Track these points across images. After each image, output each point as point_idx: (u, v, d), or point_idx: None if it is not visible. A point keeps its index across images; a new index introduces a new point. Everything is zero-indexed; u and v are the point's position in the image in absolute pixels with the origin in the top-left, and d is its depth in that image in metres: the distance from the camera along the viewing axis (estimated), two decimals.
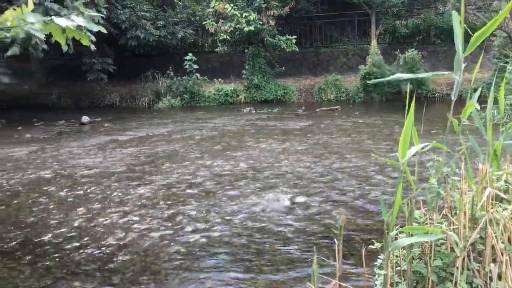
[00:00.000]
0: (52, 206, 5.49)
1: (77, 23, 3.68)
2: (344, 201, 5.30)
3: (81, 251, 4.11)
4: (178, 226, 4.64)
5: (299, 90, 17.88)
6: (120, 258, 3.92)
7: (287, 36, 16.88)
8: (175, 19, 18.96)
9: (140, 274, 3.63)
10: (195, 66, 17.43)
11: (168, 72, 17.76)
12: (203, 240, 4.28)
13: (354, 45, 19.75)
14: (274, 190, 5.81)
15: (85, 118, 13.77)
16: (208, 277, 3.56)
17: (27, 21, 3.94)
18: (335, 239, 3.24)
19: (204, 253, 3.99)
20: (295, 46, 16.98)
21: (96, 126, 13.11)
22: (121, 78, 19.19)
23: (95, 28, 3.74)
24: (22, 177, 7.02)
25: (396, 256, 2.64)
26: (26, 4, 4.05)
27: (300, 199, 5.43)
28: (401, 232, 2.40)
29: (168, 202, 5.45)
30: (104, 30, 3.91)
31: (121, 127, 12.46)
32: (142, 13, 17.40)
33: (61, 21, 3.69)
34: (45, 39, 13.03)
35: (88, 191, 6.06)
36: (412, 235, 2.40)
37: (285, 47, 16.83)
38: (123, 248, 4.13)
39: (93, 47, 13.19)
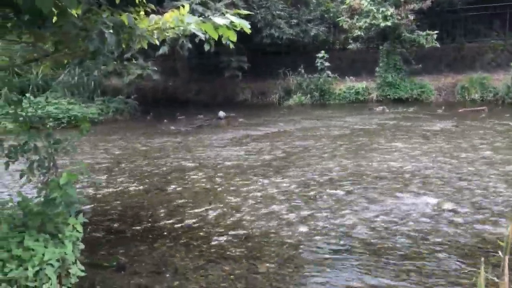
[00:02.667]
0: (198, 193, 5.91)
1: (231, 20, 3.87)
2: (497, 211, 4.77)
3: (228, 237, 4.34)
4: (318, 223, 4.63)
5: (437, 89, 16.66)
6: (264, 248, 4.05)
7: (428, 31, 15.82)
8: (308, 17, 19.05)
9: (284, 265, 3.71)
10: (327, 64, 17.32)
11: (299, 69, 17.93)
12: (344, 239, 4.20)
13: (504, 39, 17.73)
14: (416, 194, 5.48)
15: (221, 113, 14.59)
16: (351, 278, 3.49)
17: (185, 22, 4.28)
18: (500, 253, 2.91)
19: (346, 253, 3.92)
20: (436, 41, 15.83)
21: (231, 121, 13.81)
22: (253, 75, 19.92)
23: (247, 24, 3.89)
24: (171, 165, 7.69)
25: None
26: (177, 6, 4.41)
27: (446, 205, 5.03)
28: None
29: (305, 198, 5.48)
30: (248, 31, 4.00)
31: (254, 122, 12.93)
32: (277, 12, 17.83)
33: (218, 20, 3.92)
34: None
35: (228, 182, 6.39)
36: None
37: (424, 43, 15.79)
38: (266, 239, 4.26)
39: (231, 46, 13.95)
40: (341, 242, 4.13)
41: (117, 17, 4.39)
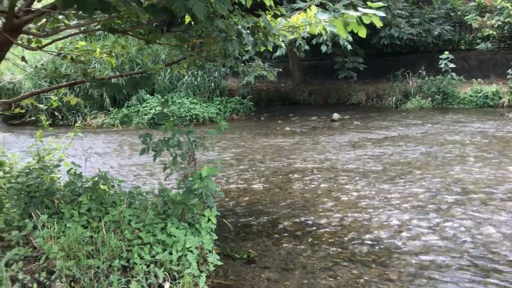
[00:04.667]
0: (319, 194, 5.91)
1: (364, 12, 3.77)
2: None
3: (354, 240, 4.28)
4: (450, 234, 4.35)
5: None
6: (395, 256, 3.91)
7: None
8: (431, 15, 17.98)
9: (416, 276, 3.54)
10: (451, 65, 16.18)
11: (419, 71, 17.01)
12: (484, 254, 3.88)
13: None
14: None
15: (335, 115, 14.43)
16: None
17: (318, 18, 4.30)
18: None
19: (486, 270, 3.62)
20: None
21: (345, 123, 13.58)
22: (368, 77, 19.38)
23: (381, 13, 3.75)
24: (290, 165, 7.80)
25: None
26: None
27: None
28: None
29: (433, 206, 5.18)
30: (380, 24, 3.82)
31: (370, 126, 12.56)
32: (397, 11, 17.10)
33: (351, 13, 3.86)
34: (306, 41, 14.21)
35: (348, 185, 6.29)
36: None
37: None
38: (394, 245, 4.11)
39: (349, 47, 13.69)
40: (480, 258, 3.82)
41: (248, 20, 4.58)
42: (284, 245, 4.24)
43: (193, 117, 14.93)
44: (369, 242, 4.23)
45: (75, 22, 4.58)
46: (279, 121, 14.65)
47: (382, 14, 3.70)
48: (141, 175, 7.38)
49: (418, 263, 3.75)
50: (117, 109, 15.31)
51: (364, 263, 3.77)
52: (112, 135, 12.82)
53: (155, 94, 15.50)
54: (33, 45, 4.36)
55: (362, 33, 3.85)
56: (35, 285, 3.15)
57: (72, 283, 3.23)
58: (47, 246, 3.54)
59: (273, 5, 4.96)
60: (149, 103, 15.13)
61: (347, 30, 3.97)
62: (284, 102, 20.48)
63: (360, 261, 3.81)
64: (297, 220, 4.93)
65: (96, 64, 14.65)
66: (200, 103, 15.89)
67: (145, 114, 14.63)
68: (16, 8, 3.66)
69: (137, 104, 15.24)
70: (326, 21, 4.17)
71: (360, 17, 3.73)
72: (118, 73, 13.38)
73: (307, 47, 14.48)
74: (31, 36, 4.38)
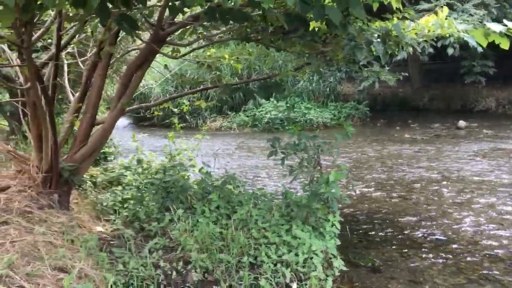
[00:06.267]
0: (447, 206, 5.55)
1: (508, 27, 3.47)
2: None
3: (488, 257, 3.95)
4: None
5: None
6: None
7: None
8: None
9: None
10: None
11: None
12: None
13: None
14: None
15: (461, 123, 13.42)
16: None
17: (456, 28, 4.04)
18: None
19: None
20: None
21: (473, 132, 12.55)
22: (499, 80, 17.65)
23: None
24: (412, 174, 7.45)
25: None
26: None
27: None
28: None
29: None
30: None
31: (504, 135, 11.45)
32: None
33: (494, 27, 3.58)
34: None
35: (480, 199, 5.80)
36: None
37: None
38: None
39: (479, 49, 12.66)
40: None
41: (373, 24, 4.48)
42: (411, 256, 4.07)
43: (307, 121, 14.98)
44: (507, 261, 3.86)
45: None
46: (397, 128, 14.08)
47: None
48: (260, 177, 7.64)
49: None
50: (234, 113, 15.99)
51: (503, 283, 3.46)
52: (230, 137, 13.44)
53: (270, 99, 15.88)
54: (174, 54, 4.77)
55: (505, 44, 3.53)
56: (174, 272, 3.44)
57: (206, 274, 3.46)
58: (182, 238, 3.84)
59: (401, 7, 4.79)
60: (265, 107, 15.50)
61: (488, 41, 3.68)
62: (401, 108, 19.55)
63: (499, 281, 3.50)
64: (423, 231, 4.69)
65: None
66: (314, 108, 15.92)
67: (261, 118, 15.06)
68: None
69: (253, 109, 15.72)
70: (464, 31, 3.92)
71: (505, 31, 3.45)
72: (237, 78, 14.00)
73: (431, 49, 13.75)
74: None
